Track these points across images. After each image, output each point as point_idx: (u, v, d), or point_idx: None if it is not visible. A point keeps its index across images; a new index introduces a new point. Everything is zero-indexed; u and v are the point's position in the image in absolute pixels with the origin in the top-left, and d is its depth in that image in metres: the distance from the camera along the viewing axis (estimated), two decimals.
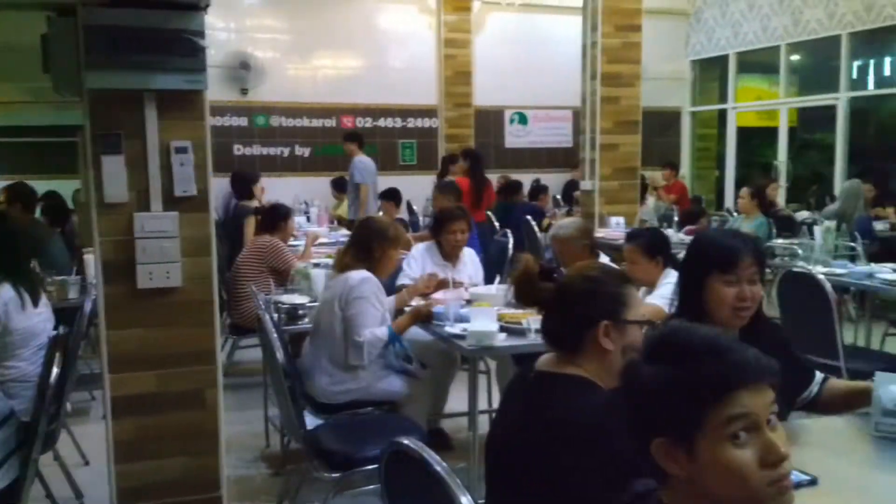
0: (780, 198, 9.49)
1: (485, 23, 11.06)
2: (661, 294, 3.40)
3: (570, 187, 10.42)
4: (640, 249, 3.62)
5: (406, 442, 1.60)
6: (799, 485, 1.78)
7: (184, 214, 2.72)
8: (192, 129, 2.73)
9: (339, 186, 9.13)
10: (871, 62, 9.71)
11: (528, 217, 7.53)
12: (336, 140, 10.43)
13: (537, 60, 10.91)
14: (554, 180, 11.06)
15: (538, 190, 9.47)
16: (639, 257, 3.61)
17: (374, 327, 3.44)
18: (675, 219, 8.12)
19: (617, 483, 1.35)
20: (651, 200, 9.67)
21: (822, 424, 2.23)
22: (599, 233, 7.38)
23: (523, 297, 1.91)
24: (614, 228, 7.14)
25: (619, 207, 7.73)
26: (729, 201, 10.87)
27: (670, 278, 3.37)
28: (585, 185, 7.95)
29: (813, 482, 1.80)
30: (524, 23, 11.06)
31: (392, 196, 7.65)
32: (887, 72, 9.60)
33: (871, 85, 9.73)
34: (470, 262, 4.57)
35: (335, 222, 8.10)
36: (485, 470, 1.88)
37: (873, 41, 9.45)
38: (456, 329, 3.35)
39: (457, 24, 10.74)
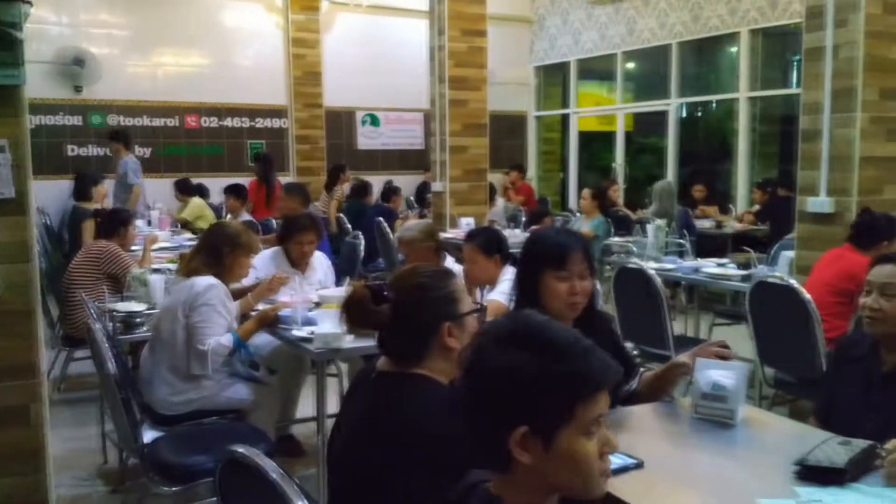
0: (620, 199, 10.00)
1: (333, 23, 10.99)
2: (501, 290, 3.51)
3: (423, 189, 10.54)
4: (477, 248, 3.71)
5: (240, 450, 1.56)
6: (626, 468, 1.88)
7: (0, 218, 2.53)
8: (9, 127, 2.53)
9: (184, 188, 8.80)
10: (699, 70, 10.42)
11: (380, 219, 7.53)
12: (179, 140, 10.10)
13: (388, 62, 10.95)
14: (407, 182, 11.14)
15: (390, 192, 9.51)
16: (476, 256, 3.70)
17: (219, 336, 3.33)
18: (523, 219, 8.39)
19: (457, 478, 1.38)
20: (500, 201, 9.94)
21: (647, 410, 2.36)
22: (450, 233, 7.51)
23: (358, 323, 1.87)
24: (464, 229, 7.27)
25: (469, 208, 7.91)
26: (573, 202, 11.34)
27: (509, 275, 3.47)
28: (436, 186, 8.08)
29: (639, 465, 1.90)
30: (373, 24, 11.08)
31: (238, 192, 7.47)
32: (714, 78, 10.32)
33: (699, 91, 10.43)
34: (320, 267, 4.48)
35: (178, 226, 7.79)
36: (326, 470, 1.86)
37: (701, 50, 10.14)
38: (303, 332, 3.31)
39: (305, 24, 10.60)
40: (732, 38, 9.34)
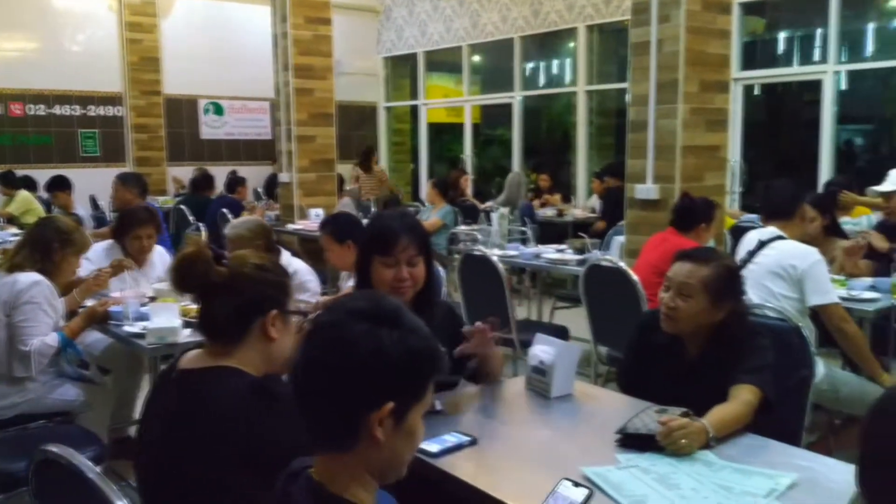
0: (470, 189, 10.21)
1: (172, 7, 10.54)
2: None
3: (273, 180, 10.30)
4: (329, 236, 3.69)
5: (54, 449, 1.48)
6: (460, 446, 1.94)
7: None
8: None
9: (8, 181, 8.18)
10: (541, 63, 10.78)
11: (225, 210, 7.31)
12: (3, 129, 9.44)
13: (231, 49, 10.65)
14: (255, 173, 10.88)
15: (235, 182, 9.24)
16: (331, 244, 3.67)
17: (44, 335, 3.13)
18: (373, 209, 8.40)
19: (268, 468, 1.35)
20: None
21: (485, 389, 2.43)
22: (299, 224, 7.41)
23: (189, 279, 1.75)
24: (313, 220, 7.20)
25: (317, 199, 7.82)
26: (423, 192, 11.46)
27: None
28: (283, 177, 7.95)
29: (473, 442, 1.96)
30: (214, 9, 10.73)
31: (61, 184, 7.02)
32: (554, 72, 10.70)
33: (541, 84, 10.79)
34: (160, 261, 4.27)
35: (3, 221, 7.25)
36: (135, 477, 1.75)
37: (542, 45, 10.49)
38: (135, 328, 3.17)
39: (140, 8, 10.13)
40: (570, 33, 9.72)
